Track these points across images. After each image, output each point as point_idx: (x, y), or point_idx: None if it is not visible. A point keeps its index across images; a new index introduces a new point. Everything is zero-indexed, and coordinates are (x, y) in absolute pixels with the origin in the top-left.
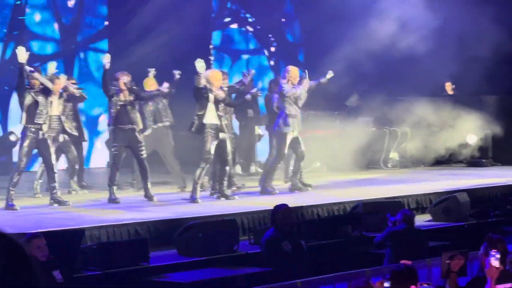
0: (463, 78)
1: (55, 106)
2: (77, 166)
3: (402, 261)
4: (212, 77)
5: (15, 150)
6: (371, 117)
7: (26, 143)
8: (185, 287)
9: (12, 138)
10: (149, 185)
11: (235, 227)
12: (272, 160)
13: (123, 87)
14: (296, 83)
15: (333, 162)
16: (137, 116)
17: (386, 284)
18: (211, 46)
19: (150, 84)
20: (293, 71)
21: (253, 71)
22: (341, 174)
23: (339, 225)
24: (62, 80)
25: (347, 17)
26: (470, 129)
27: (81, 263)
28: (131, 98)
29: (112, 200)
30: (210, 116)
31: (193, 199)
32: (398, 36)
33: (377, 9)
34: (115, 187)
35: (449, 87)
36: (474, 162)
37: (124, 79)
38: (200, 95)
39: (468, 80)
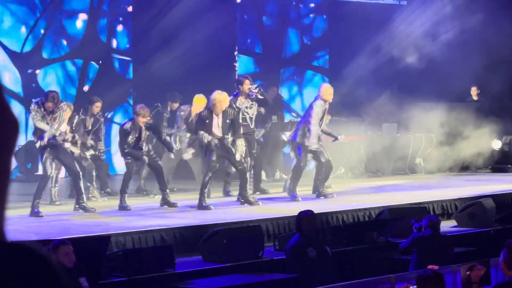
0: (488, 83)
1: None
2: (94, 172)
3: (430, 266)
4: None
5: None
6: (395, 123)
7: (46, 154)
8: None
9: (38, 145)
10: (168, 192)
11: (260, 233)
12: (294, 166)
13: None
14: (329, 100)
15: (357, 168)
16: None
17: None
18: (236, 53)
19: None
20: (325, 88)
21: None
22: (366, 180)
23: (365, 231)
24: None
25: (371, 23)
26: (495, 135)
27: (106, 269)
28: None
29: (123, 207)
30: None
31: (204, 207)
32: (424, 41)
33: (402, 14)
34: (126, 195)
35: (474, 92)
36: (499, 167)
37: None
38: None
39: (493, 85)
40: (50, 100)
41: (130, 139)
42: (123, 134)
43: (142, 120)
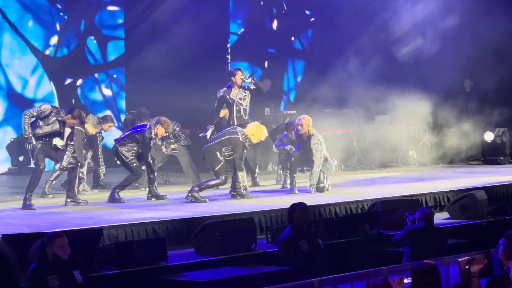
0: (481, 76)
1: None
2: (86, 162)
3: (426, 261)
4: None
5: None
6: (388, 115)
7: (37, 150)
8: (202, 286)
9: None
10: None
11: (253, 226)
12: (292, 162)
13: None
14: (305, 132)
15: (350, 160)
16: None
17: (406, 281)
18: (228, 45)
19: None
20: (304, 119)
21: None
22: (358, 172)
23: (357, 223)
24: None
25: (363, 16)
26: (487, 127)
27: (99, 262)
28: None
29: (117, 200)
30: None
31: (202, 198)
32: (415, 34)
33: (393, 7)
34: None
35: (468, 84)
36: (491, 159)
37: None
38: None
39: (486, 78)
40: (77, 117)
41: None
42: (150, 142)
43: (162, 133)
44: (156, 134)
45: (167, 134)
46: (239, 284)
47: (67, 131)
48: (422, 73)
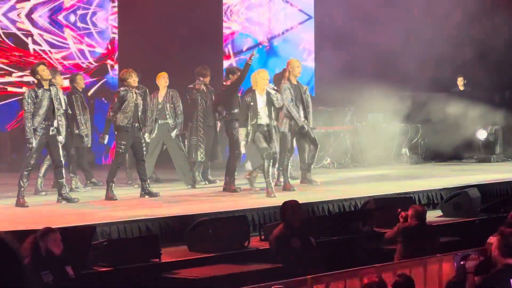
0: (474, 74)
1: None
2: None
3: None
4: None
5: None
6: (381, 113)
7: (36, 140)
8: (195, 283)
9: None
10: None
11: (246, 223)
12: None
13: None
14: (297, 75)
15: (343, 158)
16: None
17: None
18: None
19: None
20: (293, 62)
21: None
22: (351, 170)
23: (350, 221)
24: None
25: (357, 10)
26: (480, 125)
27: (92, 259)
28: (139, 98)
29: (109, 197)
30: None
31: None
32: (409, 32)
33: (388, 5)
34: (113, 185)
35: (460, 82)
36: (484, 157)
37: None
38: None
39: (479, 76)
40: (36, 69)
41: (128, 107)
42: (120, 100)
43: (135, 83)
44: (131, 86)
45: (137, 78)
46: (232, 281)
47: (53, 91)
48: (415, 71)
